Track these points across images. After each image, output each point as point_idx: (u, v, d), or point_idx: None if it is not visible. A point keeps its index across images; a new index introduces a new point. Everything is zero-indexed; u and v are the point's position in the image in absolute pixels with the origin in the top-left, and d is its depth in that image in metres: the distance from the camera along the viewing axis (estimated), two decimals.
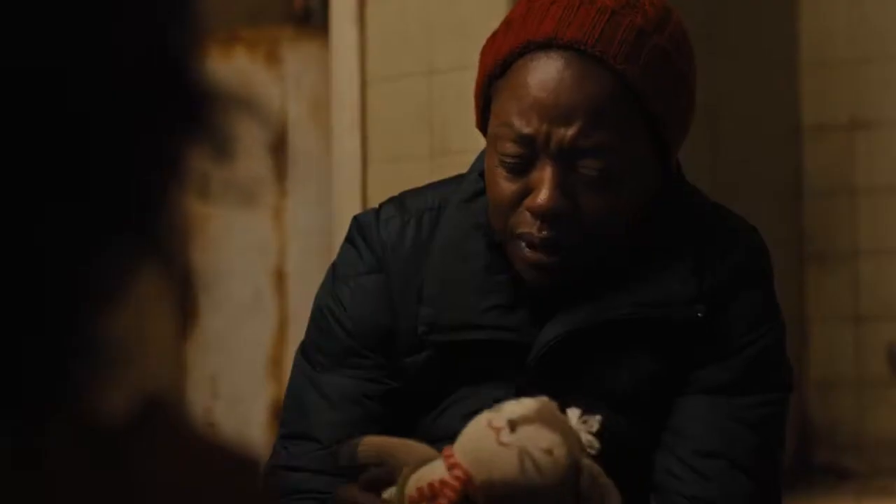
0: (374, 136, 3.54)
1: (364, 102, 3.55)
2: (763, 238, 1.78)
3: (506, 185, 1.67)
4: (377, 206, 1.83)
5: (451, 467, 1.43)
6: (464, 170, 1.86)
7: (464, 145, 3.09)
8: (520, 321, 1.71)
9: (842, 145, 4.06)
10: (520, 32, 1.66)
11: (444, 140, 3.46)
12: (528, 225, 1.65)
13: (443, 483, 1.42)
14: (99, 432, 0.59)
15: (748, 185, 3.85)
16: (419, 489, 1.43)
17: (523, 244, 1.66)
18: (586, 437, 1.45)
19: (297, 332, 1.87)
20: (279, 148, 4.02)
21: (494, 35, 1.71)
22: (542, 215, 1.64)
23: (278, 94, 4.02)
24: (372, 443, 1.51)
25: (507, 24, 1.70)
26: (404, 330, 1.75)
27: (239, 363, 4.06)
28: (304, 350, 1.82)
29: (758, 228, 1.79)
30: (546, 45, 1.65)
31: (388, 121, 3.52)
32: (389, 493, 1.49)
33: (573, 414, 1.47)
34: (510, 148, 1.65)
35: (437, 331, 1.73)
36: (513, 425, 1.42)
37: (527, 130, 1.64)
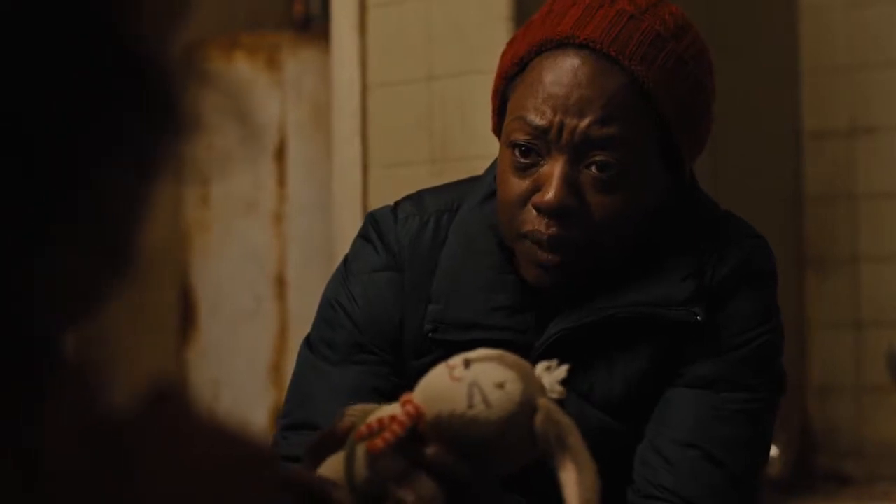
0: (374, 143, 3.53)
1: (364, 108, 3.55)
2: (769, 245, 1.77)
3: (515, 183, 1.67)
4: (394, 203, 1.82)
5: (403, 404, 1.41)
6: (463, 176, 1.85)
7: (464, 152, 3.09)
8: (526, 323, 1.71)
9: (842, 151, 4.06)
10: (538, 32, 1.68)
11: (445, 146, 3.46)
12: (534, 223, 1.65)
13: (392, 418, 1.40)
14: (102, 429, 0.58)
15: (749, 191, 3.85)
16: (368, 424, 1.41)
17: (530, 242, 1.66)
18: (549, 381, 1.41)
19: (298, 339, 1.86)
20: (279, 154, 4.02)
21: (514, 37, 1.73)
22: (548, 211, 1.64)
23: (278, 100, 4.02)
24: (359, 408, 1.49)
25: (527, 25, 1.72)
26: (412, 331, 1.74)
27: (240, 370, 4.06)
28: (309, 343, 1.81)
29: (761, 235, 1.79)
30: (563, 44, 1.66)
31: (388, 127, 3.52)
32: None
33: (540, 364, 1.44)
34: (523, 139, 1.65)
35: (443, 329, 1.72)
36: (468, 363, 1.40)
37: (540, 122, 1.65)
